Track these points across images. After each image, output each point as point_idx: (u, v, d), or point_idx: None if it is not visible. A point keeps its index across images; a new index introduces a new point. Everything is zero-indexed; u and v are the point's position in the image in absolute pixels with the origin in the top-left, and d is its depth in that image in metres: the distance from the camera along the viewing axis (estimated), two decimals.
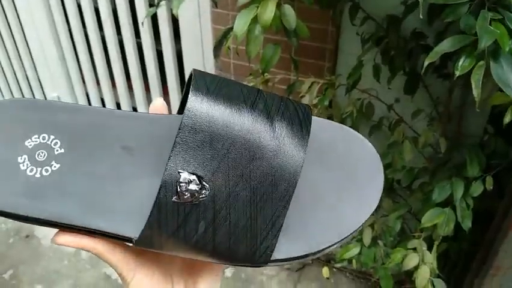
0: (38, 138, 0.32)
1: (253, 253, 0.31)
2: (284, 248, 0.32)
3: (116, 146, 0.33)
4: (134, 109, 2.08)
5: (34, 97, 2.37)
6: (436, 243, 1.14)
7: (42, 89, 2.30)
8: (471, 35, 0.75)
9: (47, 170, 0.32)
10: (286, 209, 0.31)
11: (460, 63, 0.76)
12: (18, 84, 2.38)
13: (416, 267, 1.11)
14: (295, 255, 0.33)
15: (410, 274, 1.14)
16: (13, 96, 2.46)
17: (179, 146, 0.29)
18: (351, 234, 0.33)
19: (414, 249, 1.13)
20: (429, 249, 1.14)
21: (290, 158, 0.31)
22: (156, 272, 0.36)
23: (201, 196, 0.30)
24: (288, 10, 0.88)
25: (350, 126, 0.36)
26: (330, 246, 0.33)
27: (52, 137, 0.33)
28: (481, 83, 0.74)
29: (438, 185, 1.08)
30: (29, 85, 2.34)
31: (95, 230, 0.31)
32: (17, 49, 2.23)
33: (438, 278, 1.13)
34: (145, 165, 0.32)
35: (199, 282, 0.37)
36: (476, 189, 1.07)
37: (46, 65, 2.16)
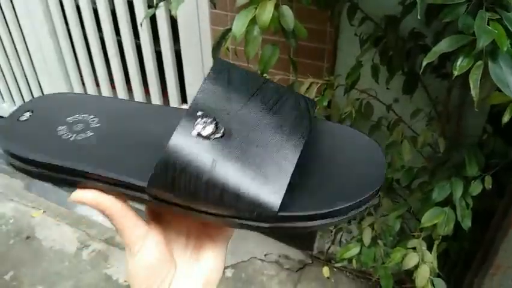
0: (79, 116, 0.39)
1: (260, 198, 0.31)
2: (297, 203, 0.32)
3: (141, 132, 0.38)
4: None
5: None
6: (436, 242, 1.14)
7: (42, 91, 2.30)
8: (469, 35, 0.75)
9: (81, 136, 0.37)
10: (296, 157, 0.32)
11: (458, 63, 0.76)
12: (18, 86, 2.38)
13: (416, 267, 1.11)
14: (308, 213, 0.32)
15: (410, 273, 1.14)
16: (12, 98, 2.46)
17: (202, 92, 0.32)
18: (366, 201, 0.33)
19: (414, 248, 1.14)
20: (429, 248, 1.14)
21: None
22: (164, 243, 0.36)
23: (215, 136, 0.31)
24: (286, 11, 0.88)
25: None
26: (346, 209, 0.32)
27: (92, 116, 0.39)
28: (479, 82, 0.74)
29: (437, 185, 1.08)
30: (28, 87, 2.34)
31: (114, 180, 0.34)
32: (16, 51, 2.23)
33: (438, 278, 1.13)
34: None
35: (203, 255, 0.37)
36: (476, 188, 1.07)
37: (45, 67, 2.16)
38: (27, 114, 0.39)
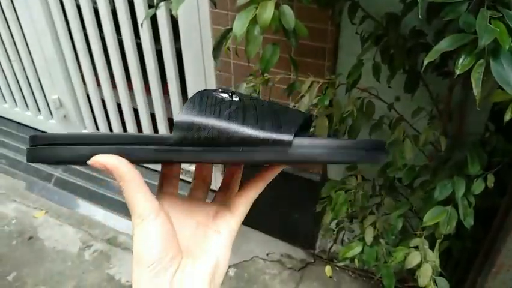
0: None
1: (279, 127, 0.35)
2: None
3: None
4: (135, 110, 2.08)
5: (35, 100, 2.37)
6: (438, 241, 1.14)
7: (43, 91, 2.30)
8: (470, 33, 0.75)
9: None
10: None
11: (460, 61, 0.75)
12: (19, 86, 2.38)
13: (419, 266, 1.11)
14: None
15: (413, 272, 1.14)
16: (14, 99, 2.46)
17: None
18: None
19: (417, 247, 1.13)
20: (431, 247, 1.14)
21: None
22: (171, 227, 0.37)
23: (232, 99, 0.38)
24: (287, 10, 0.88)
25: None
26: None
27: None
28: (481, 81, 0.74)
29: (439, 184, 1.08)
30: (30, 87, 2.34)
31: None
32: (18, 52, 2.23)
33: (441, 276, 1.13)
34: None
35: (209, 248, 0.38)
36: (478, 187, 1.07)
37: (46, 67, 2.16)
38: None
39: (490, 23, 0.72)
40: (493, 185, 1.07)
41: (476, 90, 0.74)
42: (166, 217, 0.37)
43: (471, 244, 1.29)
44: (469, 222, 1.07)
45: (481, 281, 1.26)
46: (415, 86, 1.16)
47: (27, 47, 2.17)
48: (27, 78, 2.32)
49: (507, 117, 0.83)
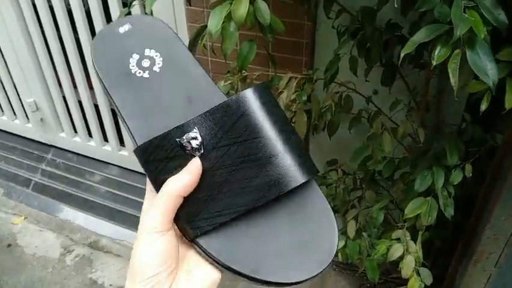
0: (155, 52, 0.45)
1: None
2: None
3: (185, 90, 0.43)
4: (113, 111, 2.05)
5: (10, 104, 2.32)
6: (420, 233, 1.14)
7: (18, 95, 2.26)
8: (445, 23, 0.75)
9: (140, 73, 0.44)
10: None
11: (436, 52, 0.76)
12: None
13: (401, 257, 1.12)
14: None
15: (396, 264, 1.15)
16: None
17: (208, 114, 0.38)
18: None
19: (399, 239, 1.14)
20: (413, 238, 1.14)
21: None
22: (176, 243, 0.37)
23: (194, 152, 0.37)
24: (262, 5, 0.87)
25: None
26: None
27: (161, 58, 0.45)
28: (457, 71, 0.74)
29: (419, 175, 1.08)
30: (4, 91, 2.29)
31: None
32: None
33: (423, 267, 1.14)
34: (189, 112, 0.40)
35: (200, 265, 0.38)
36: (456, 177, 1.08)
37: (20, 70, 2.11)
38: (127, 27, 0.46)
39: (464, 12, 0.73)
40: (471, 174, 1.08)
41: (453, 81, 0.74)
42: (172, 234, 0.37)
43: (452, 233, 1.30)
44: (450, 212, 1.08)
45: (462, 269, 1.27)
46: (392, 79, 1.17)
47: (0, 50, 2.12)
48: (1, 82, 2.27)
49: (483, 107, 0.84)
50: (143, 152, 0.38)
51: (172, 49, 0.45)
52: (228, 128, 0.37)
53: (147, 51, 0.45)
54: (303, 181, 0.37)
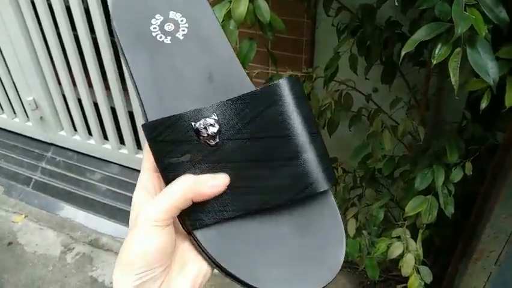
0: (180, 15, 0.41)
1: None
2: None
3: (207, 67, 0.39)
4: (113, 109, 2.05)
5: (10, 102, 2.32)
6: (420, 231, 1.14)
7: (18, 93, 2.25)
8: (446, 22, 0.75)
9: (161, 38, 0.40)
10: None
11: (437, 51, 0.75)
12: None
13: (401, 256, 1.12)
14: None
15: (396, 262, 1.15)
16: None
17: (230, 102, 0.35)
18: None
19: (399, 237, 1.14)
20: (414, 236, 1.14)
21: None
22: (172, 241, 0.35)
23: (209, 139, 0.35)
24: (262, 3, 0.86)
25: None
26: None
27: (186, 24, 0.41)
28: (458, 70, 0.74)
29: (419, 173, 1.08)
30: (4, 89, 2.29)
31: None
32: None
33: (423, 265, 1.13)
34: (209, 93, 0.38)
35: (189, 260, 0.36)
36: (457, 175, 1.08)
37: (20, 68, 2.11)
38: None
39: (465, 10, 0.72)
40: (471, 172, 1.08)
41: (454, 79, 0.74)
42: (172, 231, 0.35)
43: (452, 231, 1.30)
44: (450, 210, 1.08)
45: (462, 268, 1.27)
46: (392, 77, 1.17)
47: None
48: (1, 80, 2.26)
49: (483, 105, 0.83)
50: (152, 130, 0.35)
51: (200, 16, 0.41)
52: (249, 120, 0.35)
53: (172, 14, 0.41)
54: (326, 188, 0.35)
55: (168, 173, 0.35)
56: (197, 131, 0.34)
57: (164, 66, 0.39)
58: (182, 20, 0.40)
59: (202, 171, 0.35)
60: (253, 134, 0.35)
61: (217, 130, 0.34)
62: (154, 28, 0.40)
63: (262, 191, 0.34)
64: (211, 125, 0.34)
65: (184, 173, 0.35)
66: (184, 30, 0.40)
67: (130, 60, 0.39)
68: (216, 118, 0.35)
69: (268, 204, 0.34)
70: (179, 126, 0.35)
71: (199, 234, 0.35)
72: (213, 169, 0.35)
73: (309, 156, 0.34)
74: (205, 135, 0.34)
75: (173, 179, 0.35)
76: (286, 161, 0.34)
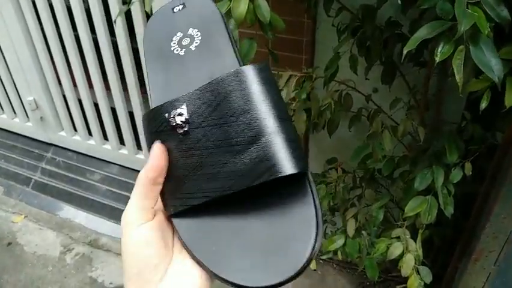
0: (197, 31, 0.44)
1: None
2: None
3: (210, 72, 0.41)
4: (113, 109, 2.05)
5: (10, 102, 2.32)
6: (420, 231, 1.14)
7: (18, 93, 2.25)
8: (448, 20, 0.75)
9: (177, 51, 0.44)
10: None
11: (439, 49, 0.75)
12: None
13: (401, 256, 1.12)
14: None
15: (396, 262, 1.15)
16: None
17: (199, 91, 0.37)
18: None
19: (398, 237, 1.14)
20: (413, 236, 1.14)
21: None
22: (163, 232, 0.36)
23: (177, 128, 0.37)
24: (262, 3, 0.86)
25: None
26: None
27: (199, 37, 0.44)
28: (462, 67, 0.74)
29: (419, 174, 1.08)
30: (4, 89, 2.29)
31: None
32: None
33: (423, 265, 1.13)
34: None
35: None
36: (456, 175, 1.08)
37: (20, 68, 2.11)
38: (181, 7, 0.47)
39: (467, 8, 0.72)
40: (471, 173, 1.08)
41: (458, 77, 0.74)
42: (159, 222, 0.37)
43: (451, 232, 1.30)
44: (450, 210, 1.08)
45: (462, 268, 1.27)
46: (392, 77, 1.17)
47: (0, 49, 2.12)
48: (1, 81, 2.27)
49: (483, 106, 0.83)
50: (143, 122, 0.39)
51: (213, 30, 0.44)
52: (214, 107, 0.36)
53: (190, 30, 0.45)
54: (290, 172, 0.33)
55: None
56: (168, 121, 0.37)
57: (175, 73, 0.42)
58: (197, 34, 0.44)
59: (175, 159, 0.37)
60: (217, 120, 0.35)
61: (185, 119, 0.36)
62: (174, 43, 0.44)
63: (225, 176, 0.35)
64: (179, 114, 0.37)
65: None
66: (197, 43, 0.44)
67: (149, 69, 0.44)
68: (185, 108, 0.37)
69: (231, 189, 0.34)
70: (157, 118, 0.38)
71: (176, 221, 0.37)
72: (183, 157, 0.36)
73: (272, 139, 0.34)
74: (174, 124, 0.37)
75: None
76: (247, 145, 0.34)
